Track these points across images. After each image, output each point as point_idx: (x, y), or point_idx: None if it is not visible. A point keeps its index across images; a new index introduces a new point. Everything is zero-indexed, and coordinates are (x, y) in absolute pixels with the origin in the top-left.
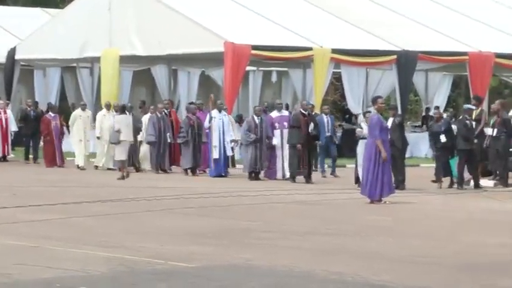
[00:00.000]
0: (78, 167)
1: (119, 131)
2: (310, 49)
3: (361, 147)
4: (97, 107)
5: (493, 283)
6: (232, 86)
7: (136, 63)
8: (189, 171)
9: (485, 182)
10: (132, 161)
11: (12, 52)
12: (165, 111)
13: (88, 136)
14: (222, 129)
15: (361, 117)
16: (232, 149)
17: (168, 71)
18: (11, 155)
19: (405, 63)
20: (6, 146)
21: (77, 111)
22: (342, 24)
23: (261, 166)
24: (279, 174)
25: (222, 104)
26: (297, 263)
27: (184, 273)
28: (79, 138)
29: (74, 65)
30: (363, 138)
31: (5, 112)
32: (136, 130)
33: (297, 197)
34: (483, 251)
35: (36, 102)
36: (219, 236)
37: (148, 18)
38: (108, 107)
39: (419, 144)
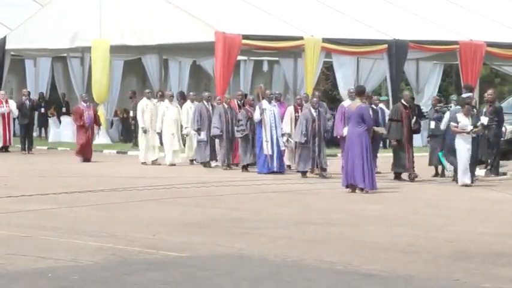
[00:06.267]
0: (142, 163)
1: None
2: (301, 38)
3: (461, 141)
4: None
5: (486, 272)
6: (223, 75)
7: (127, 53)
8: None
9: (476, 171)
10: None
11: (2, 42)
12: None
13: (154, 127)
14: (274, 122)
15: (455, 108)
16: (288, 141)
17: (159, 60)
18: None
19: (396, 52)
20: (8, 137)
21: (143, 101)
22: (333, 14)
23: (320, 163)
24: None
25: (273, 95)
26: (288, 252)
27: (176, 262)
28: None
29: (65, 54)
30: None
31: (6, 102)
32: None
33: (289, 187)
34: (475, 240)
35: (29, 93)
36: (210, 226)
37: (139, 7)
38: (171, 98)
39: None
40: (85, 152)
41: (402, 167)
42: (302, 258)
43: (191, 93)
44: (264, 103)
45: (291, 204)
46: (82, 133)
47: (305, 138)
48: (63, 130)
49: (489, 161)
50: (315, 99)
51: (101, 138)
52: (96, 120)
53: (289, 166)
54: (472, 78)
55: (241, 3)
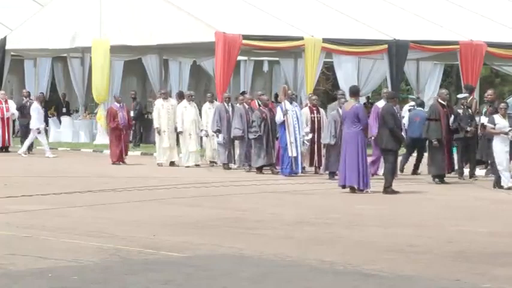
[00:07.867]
0: (158, 164)
1: None
2: (301, 39)
3: (499, 142)
4: (88, 97)
5: (485, 272)
6: (224, 75)
7: (127, 53)
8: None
9: (476, 171)
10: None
11: (2, 42)
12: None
13: (171, 128)
14: (297, 123)
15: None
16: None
17: (159, 61)
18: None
19: (396, 52)
20: (7, 137)
21: (159, 101)
22: (333, 14)
23: None
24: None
25: (294, 95)
26: (288, 253)
27: (177, 263)
28: (163, 130)
29: (65, 55)
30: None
31: (6, 102)
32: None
33: (289, 187)
34: (474, 240)
35: (29, 93)
36: (210, 226)
37: (139, 8)
38: (189, 98)
39: None
40: (118, 154)
41: (441, 169)
42: (302, 258)
43: (208, 94)
44: (286, 104)
45: (291, 205)
46: (115, 135)
47: (335, 140)
48: (63, 130)
49: (489, 161)
50: (342, 99)
51: (101, 138)
52: (129, 121)
53: (304, 167)
54: (472, 78)
55: (241, 3)
